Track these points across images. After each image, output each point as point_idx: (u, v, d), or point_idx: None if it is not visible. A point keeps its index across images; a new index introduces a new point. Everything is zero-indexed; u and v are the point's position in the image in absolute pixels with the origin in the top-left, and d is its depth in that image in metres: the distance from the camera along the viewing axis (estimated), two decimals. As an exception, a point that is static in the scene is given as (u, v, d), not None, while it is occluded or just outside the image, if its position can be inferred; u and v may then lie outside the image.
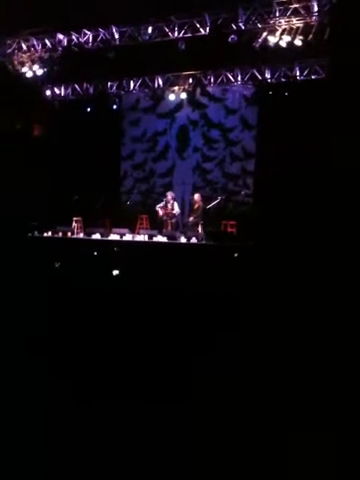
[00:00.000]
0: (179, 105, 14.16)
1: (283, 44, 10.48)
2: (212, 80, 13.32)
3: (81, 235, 12.96)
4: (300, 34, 10.43)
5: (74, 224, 13.39)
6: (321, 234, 8.70)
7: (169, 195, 12.62)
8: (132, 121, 14.85)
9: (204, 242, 11.31)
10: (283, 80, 12.44)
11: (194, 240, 11.43)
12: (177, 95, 13.82)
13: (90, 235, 12.43)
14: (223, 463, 2.52)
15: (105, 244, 11.61)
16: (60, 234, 12.65)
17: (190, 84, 13.57)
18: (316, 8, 9.88)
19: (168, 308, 4.64)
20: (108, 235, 12.28)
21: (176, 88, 13.79)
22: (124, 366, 3.42)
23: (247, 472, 2.46)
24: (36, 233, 12.38)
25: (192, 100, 13.92)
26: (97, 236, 12.23)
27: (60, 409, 2.86)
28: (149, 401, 2.99)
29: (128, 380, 3.23)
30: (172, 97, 13.85)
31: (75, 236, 12.84)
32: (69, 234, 12.77)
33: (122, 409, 2.89)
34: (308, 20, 10.05)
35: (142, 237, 12.00)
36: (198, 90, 13.78)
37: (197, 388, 3.10)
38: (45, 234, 12.50)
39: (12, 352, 3.54)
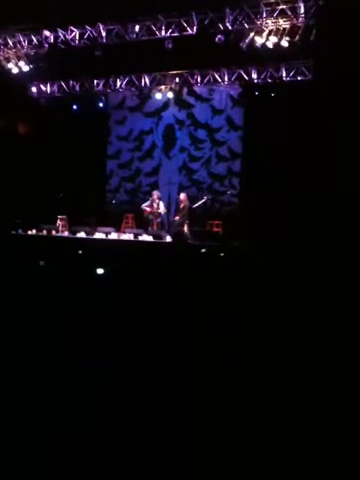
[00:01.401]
0: (166, 104, 14.14)
1: (270, 45, 10.51)
2: (199, 80, 13.31)
3: (66, 233, 12.89)
4: (287, 35, 10.46)
5: (59, 222, 13.32)
6: (305, 233, 8.76)
7: (155, 194, 12.60)
8: (118, 120, 14.80)
9: (190, 241, 11.31)
10: (269, 81, 12.46)
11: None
12: (164, 94, 13.80)
13: (75, 233, 12.37)
14: (224, 464, 2.52)
15: (90, 242, 11.56)
16: (44, 232, 12.58)
17: (177, 83, 13.54)
18: (303, 9, 9.91)
19: (153, 306, 4.63)
20: (93, 234, 12.23)
21: (163, 87, 13.76)
22: (108, 367, 3.40)
23: (248, 473, 2.47)
24: (20, 231, 12.31)
25: (179, 99, 13.91)
26: (82, 235, 12.18)
27: (58, 410, 2.85)
28: (147, 404, 2.98)
29: (125, 382, 3.22)
30: (159, 96, 13.82)
31: (60, 234, 12.77)
32: (54, 232, 12.71)
33: (119, 413, 2.88)
34: (295, 21, 10.08)
35: (127, 236, 11.98)
36: (185, 89, 13.77)
37: (195, 387, 3.10)
38: (29, 232, 12.42)
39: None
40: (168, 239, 11.55)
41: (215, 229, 12.15)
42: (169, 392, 3.09)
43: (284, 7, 10.13)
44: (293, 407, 2.93)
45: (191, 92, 13.79)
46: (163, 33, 11.53)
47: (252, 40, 10.65)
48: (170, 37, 11.44)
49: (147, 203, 12.62)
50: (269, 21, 10.27)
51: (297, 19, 9.99)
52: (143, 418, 2.81)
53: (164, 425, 2.77)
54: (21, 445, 2.58)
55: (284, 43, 10.48)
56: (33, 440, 2.62)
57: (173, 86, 13.61)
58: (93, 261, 7.43)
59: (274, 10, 10.21)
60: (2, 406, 2.87)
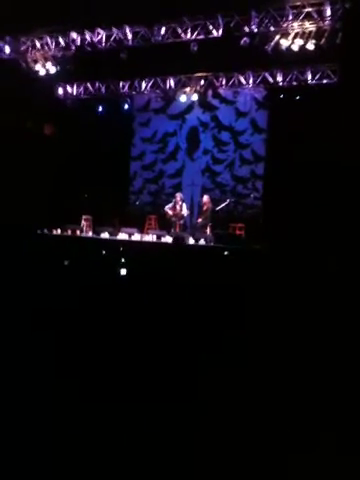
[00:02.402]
0: (190, 107, 14.19)
1: (295, 48, 10.47)
2: (224, 82, 13.33)
3: (90, 234, 13.02)
4: (312, 38, 10.41)
5: (83, 222, 13.46)
6: (327, 239, 8.70)
7: (178, 196, 12.63)
8: (143, 122, 14.90)
9: (212, 244, 11.32)
10: (294, 84, 12.42)
11: (202, 242, 11.46)
12: (188, 96, 13.84)
13: (99, 234, 12.48)
14: (227, 462, 2.54)
15: (113, 243, 11.65)
16: (69, 232, 12.72)
17: (201, 86, 13.58)
18: (329, 12, 9.86)
19: (174, 307, 4.66)
20: (117, 234, 12.33)
21: (187, 89, 13.79)
22: (130, 365, 3.45)
23: (250, 472, 2.48)
24: (45, 231, 12.46)
25: (203, 102, 13.94)
26: (106, 235, 12.29)
27: (64, 407, 2.89)
28: (154, 400, 3.02)
29: (135, 379, 3.26)
30: (183, 98, 13.86)
31: (84, 235, 12.90)
32: (78, 232, 12.85)
33: (127, 408, 2.91)
34: (321, 24, 10.03)
35: (150, 237, 12.04)
36: (209, 92, 13.79)
37: (203, 386, 3.12)
38: (54, 232, 12.58)
39: (19, 348, 3.58)
40: (191, 241, 11.58)
41: (238, 232, 12.14)
42: (174, 385, 3.13)
43: (310, 10, 10.08)
44: (295, 406, 2.94)
45: (216, 94, 13.82)
46: (188, 36, 11.56)
47: (277, 43, 10.63)
48: (195, 40, 11.46)
49: (170, 205, 12.66)
50: (295, 24, 10.23)
51: (323, 22, 9.93)
52: (146, 413, 2.84)
53: (168, 419, 2.80)
54: (23, 443, 2.62)
55: (310, 46, 10.43)
56: (38, 434, 2.65)
57: (198, 88, 13.64)
58: (116, 262, 7.51)
59: (300, 13, 10.16)
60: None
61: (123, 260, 7.62)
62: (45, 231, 12.43)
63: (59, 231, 12.68)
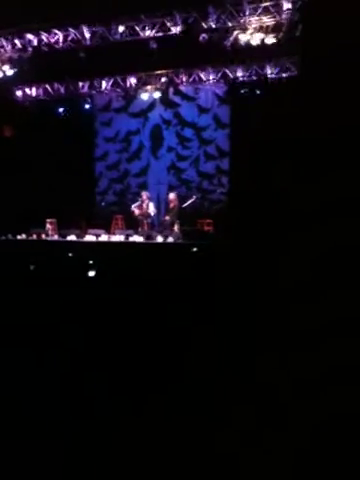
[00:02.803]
0: (152, 104, 14.12)
1: (254, 42, 10.51)
2: (184, 79, 13.31)
3: (55, 237, 12.82)
4: (271, 32, 10.47)
5: (48, 226, 13.25)
6: (294, 230, 8.74)
7: (144, 195, 12.57)
8: (104, 121, 14.76)
9: (181, 241, 11.29)
10: (255, 78, 12.49)
11: (171, 239, 11.41)
12: (150, 94, 13.78)
13: (65, 237, 12.31)
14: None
15: (80, 245, 11.51)
16: (34, 236, 12.51)
17: (162, 83, 13.53)
18: (287, 6, 9.91)
19: (144, 304, 4.61)
20: (83, 236, 12.18)
21: (149, 87, 13.74)
22: (106, 364, 3.39)
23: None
24: (10, 236, 12.23)
25: (165, 99, 13.89)
26: (72, 237, 12.12)
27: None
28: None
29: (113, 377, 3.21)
30: (145, 96, 13.80)
31: (49, 238, 12.70)
32: (43, 236, 12.65)
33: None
34: (279, 18, 10.09)
35: (118, 237, 11.93)
36: (171, 89, 13.75)
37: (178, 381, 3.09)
38: (19, 237, 12.35)
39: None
40: (159, 239, 11.52)
41: (206, 228, 12.14)
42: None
43: (268, 4, 10.12)
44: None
45: (177, 92, 13.78)
46: (147, 33, 11.50)
47: (236, 38, 10.65)
48: (154, 37, 11.40)
49: (136, 204, 12.59)
50: (253, 18, 10.27)
51: (281, 16, 10.00)
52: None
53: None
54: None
55: (269, 40, 10.49)
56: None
57: (159, 86, 13.60)
58: (84, 263, 7.40)
59: (257, 7, 10.20)
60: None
61: (91, 262, 7.52)
62: (9, 236, 12.20)
63: (24, 236, 12.46)
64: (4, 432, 2.69)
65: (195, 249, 9.51)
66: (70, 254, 9.28)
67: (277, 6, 10.21)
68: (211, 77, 13.03)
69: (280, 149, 10.09)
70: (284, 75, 12.06)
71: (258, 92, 12.26)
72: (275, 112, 10.50)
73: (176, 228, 12.13)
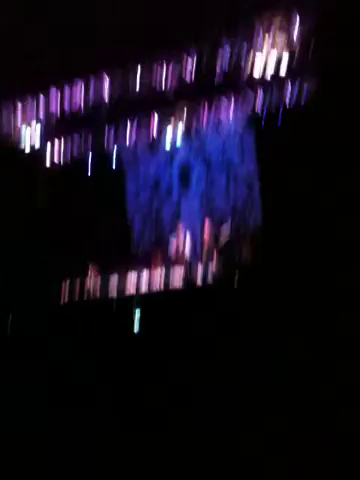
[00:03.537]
0: (176, 141, 14.30)
1: (269, 72, 10.64)
2: (206, 113, 13.48)
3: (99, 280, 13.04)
4: (285, 59, 10.59)
5: (90, 270, 13.46)
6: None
7: (178, 233, 12.69)
8: (131, 163, 14.99)
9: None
10: (274, 107, 12.53)
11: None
12: (173, 131, 13.98)
13: (108, 279, 12.51)
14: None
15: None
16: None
17: (184, 120, 13.73)
18: (298, 33, 10.00)
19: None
20: (126, 278, 12.37)
21: (171, 124, 13.94)
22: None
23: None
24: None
25: (188, 134, 14.04)
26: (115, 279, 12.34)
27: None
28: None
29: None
30: (169, 134, 14.01)
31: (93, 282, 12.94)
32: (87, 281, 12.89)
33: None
34: (292, 47, 10.19)
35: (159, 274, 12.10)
36: (193, 124, 13.93)
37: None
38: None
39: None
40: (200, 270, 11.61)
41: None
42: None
43: (279, 34, 10.25)
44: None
45: (198, 126, 13.93)
46: (164, 73, 11.76)
47: (252, 70, 10.81)
48: (171, 76, 11.66)
49: (171, 243, 12.72)
50: (265, 49, 10.41)
51: (294, 45, 10.11)
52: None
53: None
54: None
55: (283, 69, 10.61)
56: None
57: (181, 121, 13.78)
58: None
59: (270, 37, 10.33)
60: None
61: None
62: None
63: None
64: None
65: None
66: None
67: (289, 33, 10.31)
68: (232, 109, 13.13)
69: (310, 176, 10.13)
70: (302, 98, 12.07)
71: (280, 118, 12.30)
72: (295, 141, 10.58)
73: (214, 264, 12.14)
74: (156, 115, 13.88)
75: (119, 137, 14.54)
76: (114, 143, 14.82)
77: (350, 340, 3.86)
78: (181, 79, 11.67)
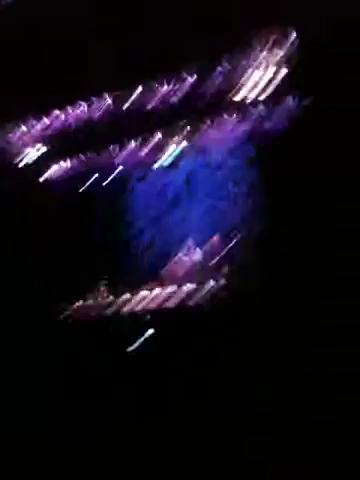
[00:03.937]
0: (181, 156, 14.43)
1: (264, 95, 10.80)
2: (208, 128, 13.61)
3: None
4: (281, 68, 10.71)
5: (102, 288, 13.65)
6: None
7: (186, 244, 12.81)
8: (138, 178, 15.16)
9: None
10: (275, 115, 12.62)
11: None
12: (177, 146, 14.13)
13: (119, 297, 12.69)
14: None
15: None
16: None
17: (185, 135, 13.89)
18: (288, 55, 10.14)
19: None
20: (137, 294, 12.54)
21: (175, 139, 14.09)
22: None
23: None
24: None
25: (192, 149, 14.18)
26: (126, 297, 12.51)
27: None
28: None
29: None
30: (172, 148, 14.17)
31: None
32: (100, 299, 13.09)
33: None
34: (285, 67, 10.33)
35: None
36: (196, 137, 14.06)
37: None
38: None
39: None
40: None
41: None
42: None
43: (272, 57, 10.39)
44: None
45: (202, 140, 14.07)
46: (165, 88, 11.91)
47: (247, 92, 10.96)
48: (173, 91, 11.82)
49: (179, 254, 12.85)
50: (260, 71, 10.55)
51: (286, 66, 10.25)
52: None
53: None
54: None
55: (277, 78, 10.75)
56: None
57: (184, 137, 13.94)
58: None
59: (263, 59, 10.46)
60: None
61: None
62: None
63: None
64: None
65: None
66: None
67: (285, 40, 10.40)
68: (231, 121, 13.25)
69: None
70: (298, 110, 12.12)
71: (279, 130, 12.40)
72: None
73: (222, 273, 12.28)
74: (157, 134, 14.04)
75: (122, 156, 14.73)
76: (117, 162, 15.00)
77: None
78: (185, 98, 11.85)
